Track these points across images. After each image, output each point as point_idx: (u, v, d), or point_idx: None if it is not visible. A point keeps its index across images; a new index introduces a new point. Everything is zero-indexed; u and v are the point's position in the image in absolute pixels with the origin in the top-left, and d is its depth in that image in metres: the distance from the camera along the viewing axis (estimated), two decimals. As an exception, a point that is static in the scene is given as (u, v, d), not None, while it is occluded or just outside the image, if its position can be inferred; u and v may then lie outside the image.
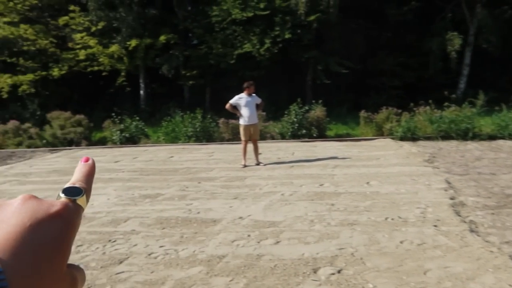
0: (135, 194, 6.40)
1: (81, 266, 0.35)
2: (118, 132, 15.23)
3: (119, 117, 16.19)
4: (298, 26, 17.08)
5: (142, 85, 20.44)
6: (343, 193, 6.01)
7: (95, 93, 21.17)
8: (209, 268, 3.70)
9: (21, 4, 18.74)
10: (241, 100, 8.30)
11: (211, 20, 17.59)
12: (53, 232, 0.29)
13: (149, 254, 4.06)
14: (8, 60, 18.66)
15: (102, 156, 10.80)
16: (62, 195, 0.34)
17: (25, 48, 18.83)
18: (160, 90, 21.37)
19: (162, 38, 18.26)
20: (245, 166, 8.25)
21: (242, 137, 8.49)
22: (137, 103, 20.50)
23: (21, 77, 18.69)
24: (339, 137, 13.63)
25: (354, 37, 18.89)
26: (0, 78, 18.64)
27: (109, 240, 4.47)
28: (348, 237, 4.31)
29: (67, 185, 0.37)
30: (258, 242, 4.25)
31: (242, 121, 8.47)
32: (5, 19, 18.66)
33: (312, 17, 16.62)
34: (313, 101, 15.03)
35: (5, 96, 18.71)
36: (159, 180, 7.38)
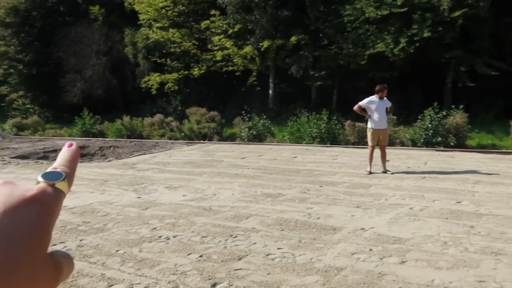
0: (257, 192, 6.57)
1: (69, 253, 0.33)
2: (247, 129, 15.95)
3: (248, 115, 16.96)
4: (440, 23, 15.55)
5: (271, 85, 21.08)
6: (486, 215, 5.21)
7: (228, 91, 22.59)
8: (326, 279, 3.54)
9: (171, 11, 21.01)
10: (371, 103, 7.88)
11: (343, 19, 17.18)
12: (29, 217, 0.27)
13: (267, 255, 4.08)
14: (158, 61, 21.12)
15: (230, 151, 11.41)
16: (41, 179, 0.31)
17: (172, 50, 21.08)
18: (288, 90, 21.76)
19: (293, 39, 18.53)
20: (370, 173, 7.82)
21: (369, 142, 8.06)
22: (265, 102, 21.24)
23: (168, 76, 20.99)
24: (482, 148, 12.03)
25: (508, 34, 16.44)
26: (151, 76, 21.20)
27: (231, 235, 4.64)
28: (491, 268, 3.69)
29: (48, 169, 0.35)
30: (381, 259, 3.93)
31: (370, 125, 8.05)
32: (158, 24, 21.15)
33: (457, 13, 14.96)
34: (452, 106, 13.55)
35: (154, 92, 21.24)
36: (281, 180, 7.45)
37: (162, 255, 4.17)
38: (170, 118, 18.52)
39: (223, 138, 16.62)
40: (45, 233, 0.29)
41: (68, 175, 0.35)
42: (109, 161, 10.75)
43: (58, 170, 0.35)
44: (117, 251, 4.33)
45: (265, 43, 18.85)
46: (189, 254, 4.15)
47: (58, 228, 5.17)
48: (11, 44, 25.94)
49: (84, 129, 19.15)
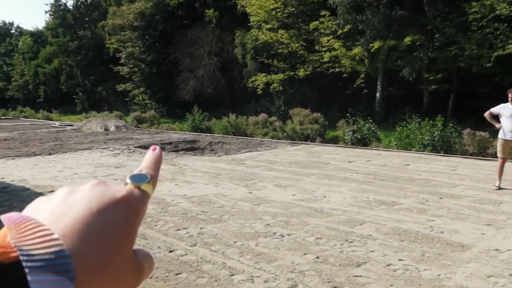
0: (370, 198, 6.30)
1: (150, 253, 0.33)
2: (351, 132, 15.49)
3: (353, 118, 16.46)
4: None
5: (379, 88, 20.19)
6: None
7: (332, 93, 22.23)
8: (459, 300, 3.22)
9: (281, 12, 21.35)
10: (505, 109, 7.02)
11: (467, 17, 15.68)
12: (118, 218, 0.28)
13: (387, 265, 3.86)
14: (265, 61, 21.64)
15: (336, 154, 11.18)
16: (129, 181, 0.33)
17: (279, 51, 21.42)
18: (397, 93, 20.62)
19: (407, 39, 17.47)
20: (499, 188, 6.98)
21: (499, 154, 7.20)
22: (371, 105, 20.42)
23: (274, 76, 21.38)
24: None
25: None
26: (257, 76, 21.81)
27: (346, 240, 4.50)
28: None
29: (134, 172, 0.35)
30: (525, 287, 3.45)
31: (501, 135, 7.19)
32: (267, 26, 21.67)
33: None
34: None
35: (259, 92, 21.82)
36: (394, 187, 7.05)
37: (278, 251, 4.21)
38: (273, 118, 18.85)
39: (325, 140, 16.38)
40: (132, 233, 0.30)
41: (153, 177, 0.36)
42: (219, 156, 11.31)
43: (144, 172, 0.36)
44: (235, 242, 4.49)
45: (376, 44, 18.08)
46: (305, 254, 4.12)
47: (180, 214, 5.56)
48: (137, 46, 28.88)
49: (193, 124, 20.46)
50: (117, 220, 0.29)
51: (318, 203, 6.06)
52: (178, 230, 4.93)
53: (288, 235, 4.69)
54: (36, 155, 11.92)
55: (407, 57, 18.08)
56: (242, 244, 4.42)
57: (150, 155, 0.39)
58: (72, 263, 0.25)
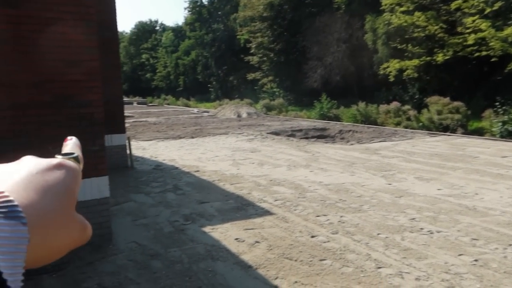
0: (535, 199, 5.45)
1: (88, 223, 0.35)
2: (500, 123, 13.64)
3: (503, 107, 14.46)
4: None
5: (538, 72, 17.26)
6: None
7: (476, 79, 19.79)
8: None
9: (419, -8, 19.66)
10: None
11: None
12: (57, 178, 0.32)
13: None
14: (398, 47, 20.27)
15: (484, 147, 9.97)
16: (58, 156, 0.36)
17: (415, 35, 19.82)
18: (562, 79, 17.38)
19: None
20: None
21: None
22: (527, 93, 17.61)
23: (408, 62, 19.92)
24: None
25: None
26: (389, 63, 20.60)
27: (510, 245, 3.97)
28: None
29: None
30: None
31: None
32: (401, 9, 20.18)
33: None
34: None
35: (391, 79, 20.60)
36: None
37: (428, 248, 3.93)
38: (407, 107, 17.63)
39: (468, 132, 14.72)
40: (73, 192, 0.33)
41: (79, 156, 0.38)
42: (351, 144, 11.05)
43: (70, 151, 0.38)
44: (378, 234, 4.34)
45: (537, 21, 15.44)
46: (460, 255, 3.76)
47: (319, 201, 5.59)
48: (266, 36, 29.82)
49: (321, 112, 20.37)
50: (57, 178, 0.32)
51: (469, 200, 5.47)
52: (318, 216, 4.96)
53: (438, 232, 4.34)
54: (180, 138, 13.27)
55: None
56: (387, 237, 4.24)
57: (70, 142, 0.42)
58: (22, 211, 0.27)
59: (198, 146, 11.27)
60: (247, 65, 33.09)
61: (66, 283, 3.49)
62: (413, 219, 4.77)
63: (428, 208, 5.15)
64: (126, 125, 17.90)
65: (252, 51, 31.29)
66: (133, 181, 7.11)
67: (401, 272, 3.49)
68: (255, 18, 30.65)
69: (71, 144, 0.41)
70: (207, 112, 28.04)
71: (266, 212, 5.15)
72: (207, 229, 4.61)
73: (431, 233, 4.32)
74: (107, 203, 4.33)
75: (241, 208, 5.34)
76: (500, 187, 6.09)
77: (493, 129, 13.92)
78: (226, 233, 4.45)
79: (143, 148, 11.04)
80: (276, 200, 5.68)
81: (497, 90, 18.49)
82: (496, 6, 16.69)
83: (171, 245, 4.17)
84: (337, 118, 19.56)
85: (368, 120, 17.90)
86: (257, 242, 4.20)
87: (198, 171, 7.86)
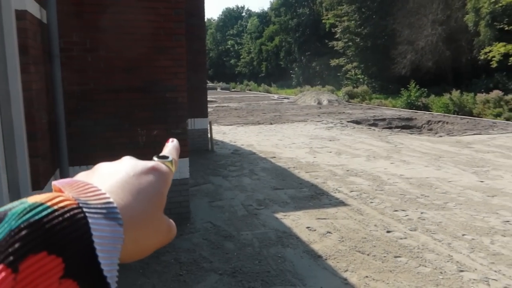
0: None
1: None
2: None
3: None
4: None
5: None
6: None
7: None
8: None
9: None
10: None
11: None
12: (151, 180, 0.34)
13: None
14: (506, 28, 18.16)
15: None
16: (155, 159, 0.38)
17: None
18: None
19: None
20: None
21: None
22: None
23: (515, 46, 17.79)
24: None
25: None
26: (493, 47, 18.59)
27: None
28: None
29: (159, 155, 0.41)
30: None
31: None
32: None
33: None
34: None
35: (494, 65, 18.61)
36: None
37: (522, 256, 3.52)
38: (510, 96, 15.82)
39: None
40: (163, 195, 0.35)
41: (174, 160, 0.40)
42: (440, 136, 10.25)
43: (166, 155, 0.40)
44: (463, 235, 3.98)
45: None
46: (562, 267, 3.31)
47: (398, 195, 5.30)
48: (353, 19, 28.69)
49: (408, 101, 19.17)
50: (151, 182, 0.34)
51: None
52: (396, 211, 4.71)
53: (536, 238, 3.86)
54: (259, 124, 13.45)
55: None
56: (473, 239, 3.88)
57: (170, 144, 0.43)
58: (119, 212, 0.29)
59: (276, 132, 11.33)
60: (331, 50, 32.26)
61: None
62: (507, 221, 4.29)
63: (526, 211, 4.60)
64: (209, 109, 18.64)
65: (337, 36, 30.37)
66: (212, 164, 7.39)
67: (487, 278, 3.17)
68: (343, 1, 29.60)
69: (170, 147, 0.43)
70: (288, 98, 28.01)
71: (340, 203, 5.02)
72: (279, 215, 4.64)
73: (528, 239, 3.85)
74: (186, 184, 4.56)
75: (314, 197, 5.27)
76: None
77: None
78: (298, 221, 4.43)
79: (224, 133, 11.40)
80: (351, 191, 5.50)
81: None
82: None
83: (244, 228, 4.27)
84: (426, 108, 18.27)
85: (462, 110, 16.44)
86: (328, 232, 4.11)
87: (274, 157, 7.91)
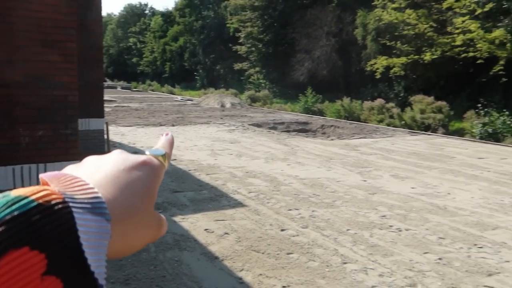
0: (505, 201, 5.55)
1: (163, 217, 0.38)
2: (480, 125, 13.87)
3: (485, 109, 14.71)
4: None
5: (520, 76, 17.55)
6: None
7: (461, 80, 20.04)
8: None
9: (410, -10, 19.70)
10: None
11: None
12: (142, 175, 0.33)
13: (527, 281, 3.36)
14: (387, 44, 20.35)
15: (462, 148, 10.12)
16: (148, 152, 0.38)
17: (404, 32, 19.92)
18: (543, 83, 17.73)
19: None
20: None
21: None
22: (509, 96, 17.91)
23: (395, 60, 20.02)
24: None
25: None
26: (377, 60, 20.68)
27: (475, 244, 4.04)
28: None
29: (152, 148, 0.41)
30: None
31: None
32: (393, 5, 20.22)
33: None
34: None
35: (378, 76, 20.71)
36: (536, 192, 6.11)
37: (394, 246, 3.97)
38: (391, 104, 17.77)
39: (449, 132, 14.92)
40: (154, 190, 0.34)
41: (167, 154, 0.40)
42: (332, 139, 11.09)
43: (160, 149, 0.40)
44: (347, 230, 4.36)
45: (523, 26, 15.66)
46: (425, 253, 3.81)
47: (292, 195, 5.59)
48: (256, 25, 29.58)
49: (305, 106, 20.37)
50: (141, 176, 0.33)
51: (441, 199, 5.55)
52: (290, 210, 4.97)
53: (406, 230, 4.38)
54: (161, 125, 13.14)
55: None
56: (355, 233, 4.27)
57: (164, 138, 0.43)
58: (107, 207, 0.28)
59: (178, 134, 11.17)
60: (235, 54, 32.84)
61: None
62: (384, 216, 4.81)
63: (399, 206, 5.20)
64: (107, 109, 17.59)
65: (240, 41, 31.03)
66: (109, 167, 7.00)
67: (366, 268, 3.51)
68: (246, 7, 30.35)
69: (163, 140, 0.42)
70: (191, 100, 27.80)
71: (238, 204, 5.13)
72: (177, 218, 4.57)
73: (400, 230, 4.36)
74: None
75: (214, 199, 5.31)
76: (473, 188, 6.19)
77: (474, 130, 14.15)
78: (196, 223, 4.42)
79: (122, 134, 10.89)
80: (250, 192, 5.66)
81: (481, 91, 18.77)
82: (487, 7, 16.85)
83: (139, 233, 4.12)
84: (321, 113, 19.60)
85: (351, 116, 18.00)
86: (226, 233, 4.17)
87: (175, 159, 7.79)
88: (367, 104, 17.84)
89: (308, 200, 5.35)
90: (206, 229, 4.25)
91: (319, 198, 5.48)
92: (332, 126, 14.15)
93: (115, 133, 10.94)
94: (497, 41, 16.67)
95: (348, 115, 18.14)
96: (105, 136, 8.50)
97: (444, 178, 6.76)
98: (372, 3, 21.21)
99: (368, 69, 21.44)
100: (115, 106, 19.75)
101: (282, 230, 4.32)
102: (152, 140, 9.99)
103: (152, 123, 13.49)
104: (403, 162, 7.98)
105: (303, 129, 13.75)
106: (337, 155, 8.60)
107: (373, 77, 21.48)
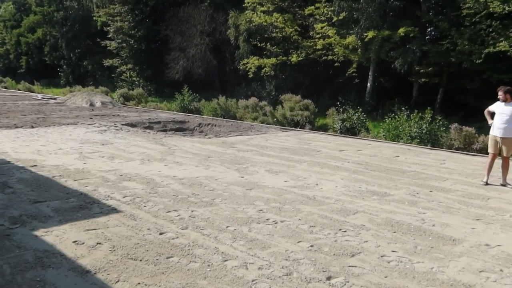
0: (362, 188, 6.28)
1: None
2: (340, 121, 15.48)
3: (343, 107, 16.45)
4: None
5: (370, 78, 20.15)
6: None
7: (323, 81, 22.11)
8: (453, 294, 3.22)
9: (277, -5, 20.94)
10: (497, 107, 7.09)
11: (462, 12, 15.66)
12: None
13: (381, 256, 3.85)
14: (258, 45, 21.32)
15: (326, 142, 11.15)
16: None
17: (273, 34, 21.11)
18: (387, 84, 20.64)
19: (401, 30, 17.37)
20: (487, 183, 7.05)
21: (489, 149, 7.27)
22: (362, 95, 20.40)
23: (266, 60, 21.10)
24: None
25: None
26: (250, 59, 21.50)
27: (340, 229, 4.47)
28: None
29: None
30: (516, 283, 3.47)
31: (491, 131, 7.26)
32: (262, 8, 21.27)
33: None
34: None
35: (251, 75, 21.54)
36: (385, 178, 7.05)
37: (271, 238, 4.15)
38: (264, 103, 18.68)
39: (315, 128, 16.35)
40: None
41: None
42: (209, 138, 11.15)
43: None
44: (227, 227, 4.41)
45: (370, 34, 17.94)
46: (299, 242, 4.07)
47: (171, 196, 5.44)
48: (126, 20, 28.05)
49: (182, 105, 20.13)
50: None
51: (310, 190, 6.01)
52: (169, 212, 4.82)
53: (282, 222, 4.63)
54: (17, 127, 11.57)
55: (400, 49, 18.03)
56: (235, 229, 4.34)
57: None
58: None
59: (38, 137, 9.96)
60: (104, 50, 30.70)
61: None
62: (261, 210, 5.00)
63: (275, 199, 5.47)
64: None
65: (110, 36, 29.11)
66: None
67: (246, 263, 3.59)
68: (115, 0, 28.58)
69: None
70: (54, 99, 25.11)
71: (112, 210, 4.79)
72: (39, 232, 4.05)
73: (276, 223, 4.59)
74: None
75: (83, 207, 4.85)
76: (336, 178, 6.86)
77: (335, 126, 15.70)
78: (62, 236, 3.97)
79: (-34, 139, 9.26)
80: (125, 197, 5.33)
81: (340, 91, 20.96)
82: (341, 16, 18.83)
83: (-10, 255, 3.53)
84: (198, 111, 19.60)
85: (228, 114, 18.39)
86: (99, 243, 3.84)
87: (35, 165, 6.91)
88: (242, 102, 18.43)
89: (187, 200, 5.27)
90: (75, 241, 3.85)
91: (198, 197, 5.44)
92: (209, 124, 14.25)
93: (-45, 138, 9.26)
94: (350, 47, 18.80)
95: (225, 113, 18.50)
96: None
97: (312, 170, 7.36)
98: (243, 5, 21.95)
99: (242, 68, 22.18)
100: (-46, 106, 16.73)
101: (161, 233, 4.16)
102: (6, 145, 8.71)
103: (6, 125, 11.78)
104: (277, 157, 8.45)
105: (181, 128, 13.55)
106: (215, 153, 8.68)
107: (247, 76, 22.29)
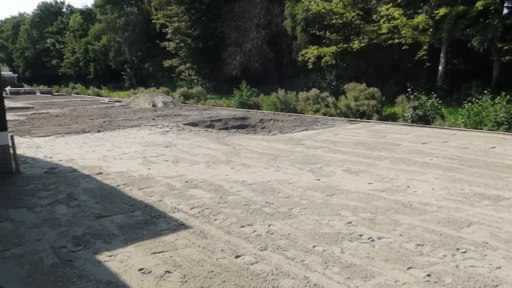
0: (465, 190, 5.25)
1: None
2: (411, 109, 14.12)
3: (414, 93, 15.05)
4: None
5: (442, 60, 18.31)
6: None
7: (389, 66, 20.56)
8: None
9: (335, -21, 19.72)
10: None
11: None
12: None
13: (526, 290, 2.91)
14: (317, 33, 20.26)
15: (403, 134, 10.03)
16: None
17: (332, 21, 19.94)
18: (462, 66, 18.67)
19: (479, 4, 15.47)
20: None
21: None
22: (433, 80, 18.63)
23: (325, 49, 20.00)
24: None
25: None
26: (308, 50, 20.53)
27: (457, 249, 3.56)
28: None
29: None
30: None
31: None
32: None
33: None
34: None
35: (310, 66, 20.57)
36: (490, 176, 5.92)
37: (372, 262, 3.35)
38: (325, 93, 17.68)
39: (382, 117, 15.10)
40: None
41: None
42: (274, 134, 10.47)
43: None
44: (314, 247, 3.68)
45: (442, 11, 16.18)
46: (409, 268, 3.23)
47: (243, 206, 4.81)
48: (183, 20, 28.24)
49: (241, 100, 19.69)
50: None
51: (403, 195, 5.10)
52: (243, 227, 4.19)
53: (379, 238, 3.81)
54: (85, 132, 11.68)
55: (478, 25, 16.10)
56: (324, 250, 3.60)
57: None
58: None
59: (104, 141, 9.89)
60: (163, 51, 31.23)
61: None
62: (350, 223, 4.21)
63: (363, 208, 4.64)
64: (21, 118, 15.53)
65: (168, 37, 29.51)
66: (15, 191, 5.72)
67: (346, 299, 2.85)
68: (171, 1, 28.86)
69: None
70: (120, 101, 25.91)
71: (180, 226, 4.25)
72: (103, 256, 3.59)
73: (372, 240, 3.77)
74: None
75: (149, 222, 4.37)
76: (429, 178, 5.86)
77: (405, 114, 14.37)
78: (127, 262, 3.48)
79: (37, 146, 9.38)
80: (192, 208, 4.78)
81: (407, 77, 19.35)
82: (408, -6, 17.25)
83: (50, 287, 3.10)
84: (257, 106, 19.04)
85: (288, 107, 17.64)
86: (167, 272, 3.29)
87: (100, 173, 6.65)
88: (302, 94, 17.59)
89: (261, 211, 4.61)
90: (140, 269, 3.32)
91: (273, 207, 4.76)
92: (271, 119, 13.59)
93: (28, 146, 9.42)
94: (420, 27, 17.15)
95: (284, 107, 17.77)
96: (11, 152, 7.10)
97: (398, 169, 6.40)
98: (300, -7, 20.99)
99: (300, 59, 21.26)
100: (31, 114, 17.60)
101: (237, 256, 3.53)
102: (74, 151, 8.66)
103: (75, 131, 11.96)
104: (352, 154, 7.56)
105: (242, 125, 13.03)
106: (282, 152, 7.97)
107: (305, 67, 21.34)
